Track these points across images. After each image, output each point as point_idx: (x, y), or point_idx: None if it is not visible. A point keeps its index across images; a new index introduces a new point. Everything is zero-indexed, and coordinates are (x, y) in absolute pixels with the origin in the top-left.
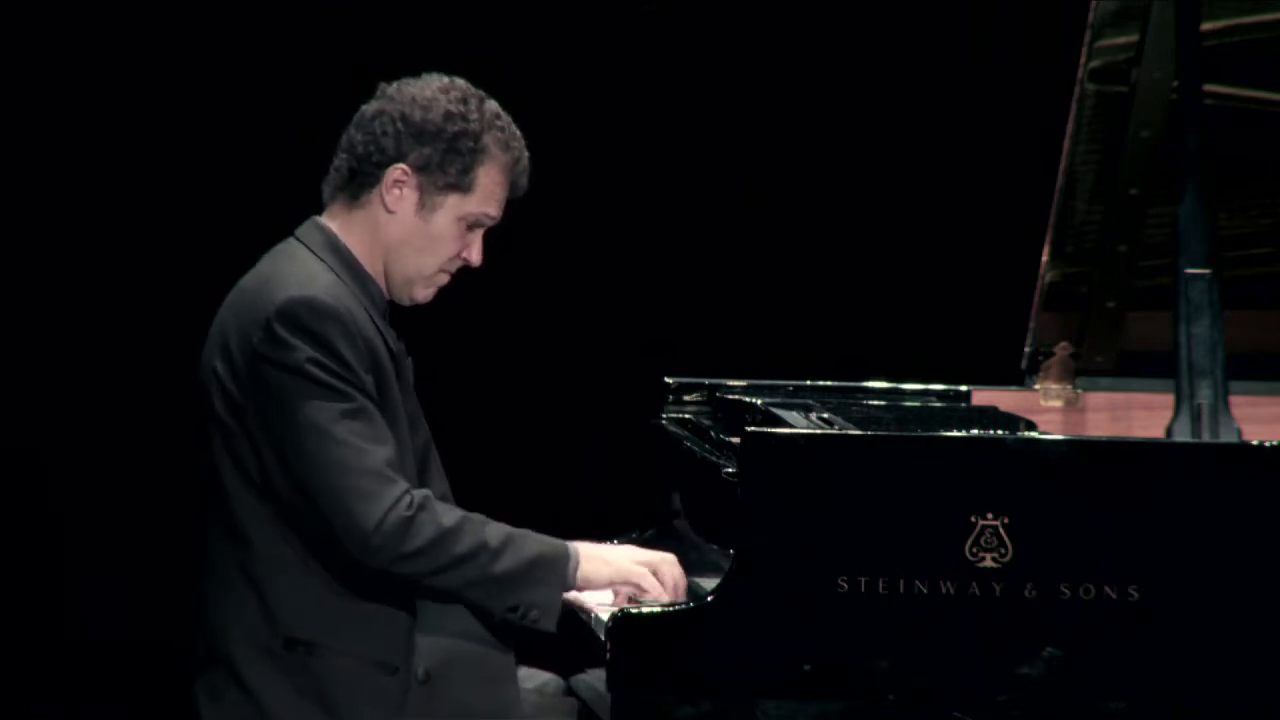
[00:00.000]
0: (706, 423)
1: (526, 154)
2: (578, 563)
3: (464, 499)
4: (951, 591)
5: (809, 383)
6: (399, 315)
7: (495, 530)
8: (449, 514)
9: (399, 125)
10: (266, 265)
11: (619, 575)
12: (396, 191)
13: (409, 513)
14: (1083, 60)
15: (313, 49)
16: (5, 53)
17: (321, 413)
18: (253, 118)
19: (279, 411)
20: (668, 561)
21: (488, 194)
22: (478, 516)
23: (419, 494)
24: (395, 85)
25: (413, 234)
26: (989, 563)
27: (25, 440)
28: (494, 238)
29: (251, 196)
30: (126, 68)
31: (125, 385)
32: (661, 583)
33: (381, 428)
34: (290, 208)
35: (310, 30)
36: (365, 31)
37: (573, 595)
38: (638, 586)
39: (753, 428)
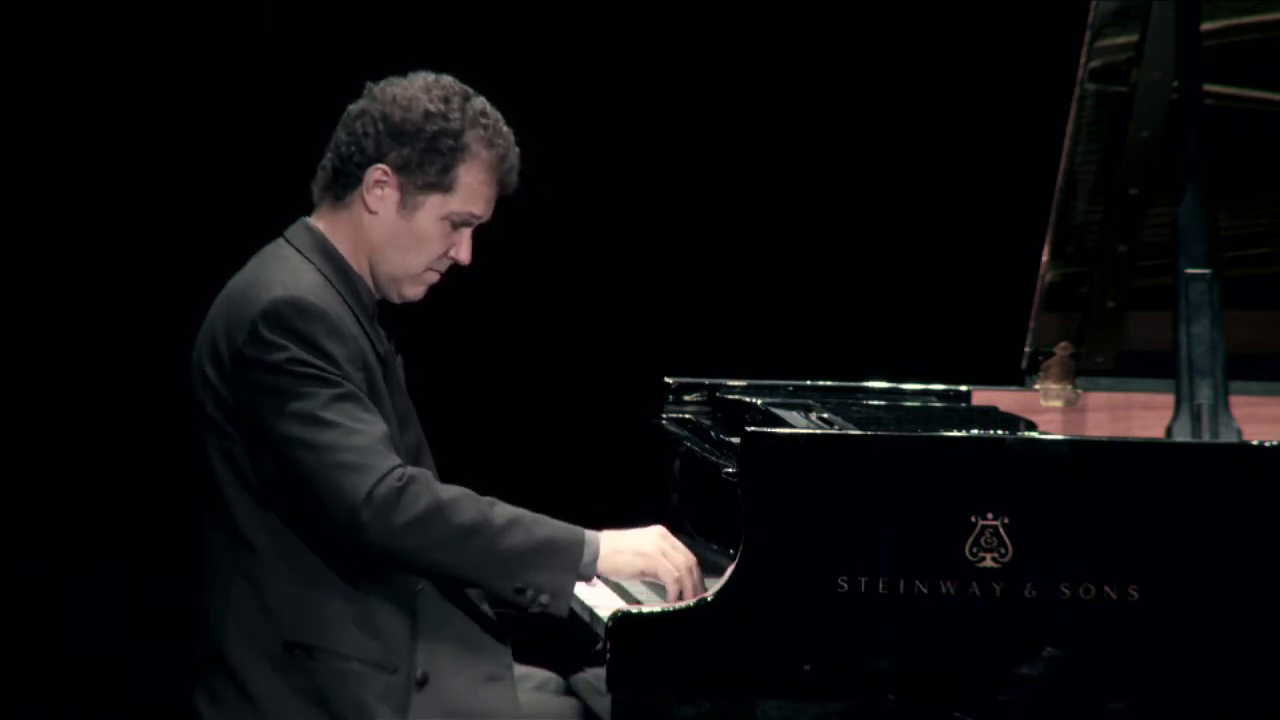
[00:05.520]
0: (706, 423)
1: (515, 150)
2: (597, 552)
3: None
4: (951, 591)
5: (809, 383)
6: (397, 312)
7: (502, 509)
8: (448, 488)
9: (379, 125)
10: (254, 267)
11: (650, 569)
12: (378, 191)
13: (399, 483)
14: (1083, 60)
15: (305, 48)
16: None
17: (310, 400)
18: (245, 118)
19: (268, 408)
20: (690, 567)
21: (471, 193)
22: (486, 498)
23: (413, 469)
24: (381, 84)
25: (396, 234)
26: (989, 563)
27: (20, 443)
28: (494, 237)
29: (245, 196)
30: (119, 68)
31: (121, 387)
32: (681, 587)
33: (373, 411)
34: (283, 208)
35: (303, 30)
36: (360, 31)
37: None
38: (671, 585)
39: (753, 428)
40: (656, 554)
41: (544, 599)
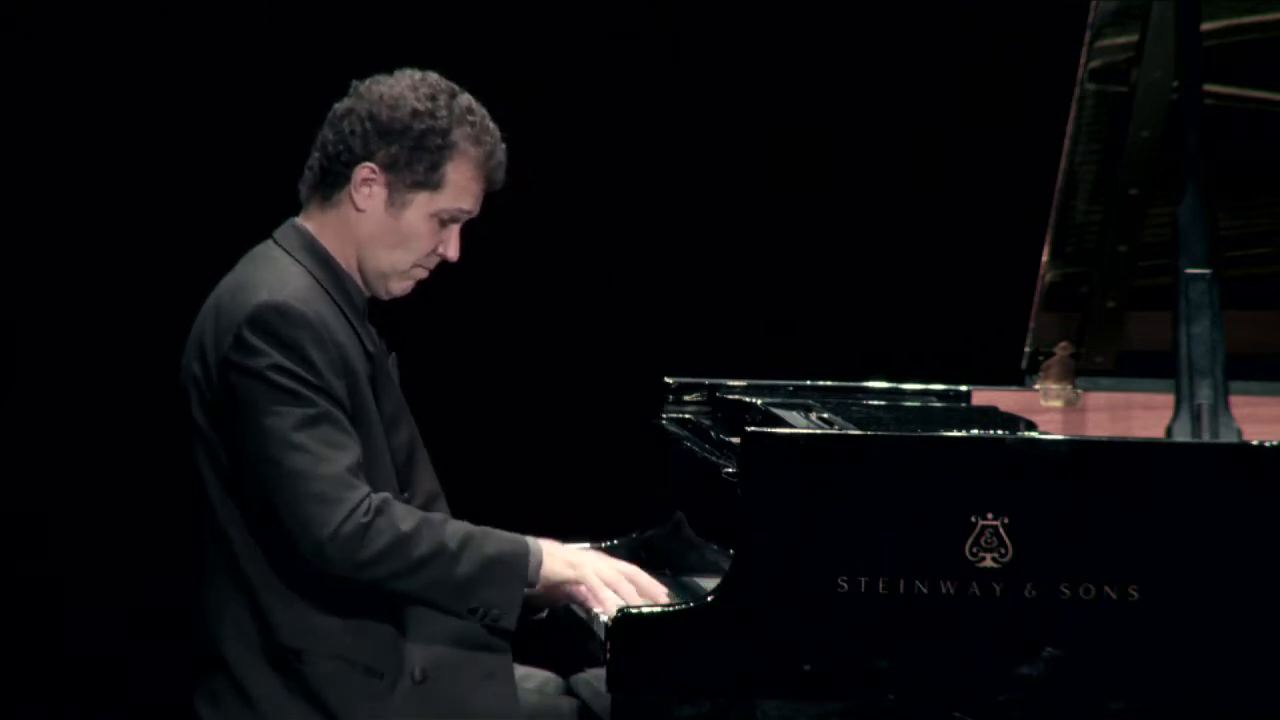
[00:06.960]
0: (706, 423)
1: (502, 147)
2: (540, 559)
3: (462, 500)
4: (951, 591)
5: (809, 383)
6: (397, 311)
7: (454, 531)
8: (407, 517)
9: (366, 124)
10: (242, 269)
11: (579, 579)
12: (365, 190)
13: (365, 519)
14: (1083, 60)
15: (295, 48)
16: None
17: (283, 419)
18: (235, 119)
19: (241, 415)
20: (629, 575)
21: (459, 190)
22: (437, 517)
23: (377, 498)
24: (366, 82)
25: (384, 232)
26: (989, 563)
27: (20, 443)
28: (494, 237)
29: (238, 197)
30: (111, 68)
31: (121, 387)
32: (623, 597)
33: (346, 434)
34: (274, 208)
35: (293, 30)
36: (347, 30)
37: (571, 593)
38: (593, 594)
39: (753, 428)
40: (584, 566)
41: (494, 613)
